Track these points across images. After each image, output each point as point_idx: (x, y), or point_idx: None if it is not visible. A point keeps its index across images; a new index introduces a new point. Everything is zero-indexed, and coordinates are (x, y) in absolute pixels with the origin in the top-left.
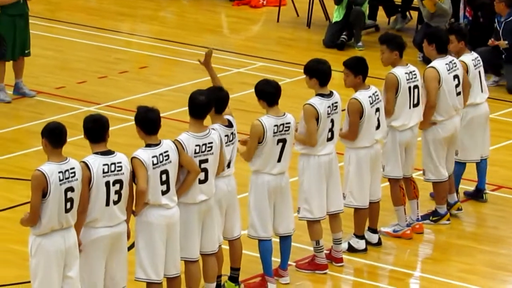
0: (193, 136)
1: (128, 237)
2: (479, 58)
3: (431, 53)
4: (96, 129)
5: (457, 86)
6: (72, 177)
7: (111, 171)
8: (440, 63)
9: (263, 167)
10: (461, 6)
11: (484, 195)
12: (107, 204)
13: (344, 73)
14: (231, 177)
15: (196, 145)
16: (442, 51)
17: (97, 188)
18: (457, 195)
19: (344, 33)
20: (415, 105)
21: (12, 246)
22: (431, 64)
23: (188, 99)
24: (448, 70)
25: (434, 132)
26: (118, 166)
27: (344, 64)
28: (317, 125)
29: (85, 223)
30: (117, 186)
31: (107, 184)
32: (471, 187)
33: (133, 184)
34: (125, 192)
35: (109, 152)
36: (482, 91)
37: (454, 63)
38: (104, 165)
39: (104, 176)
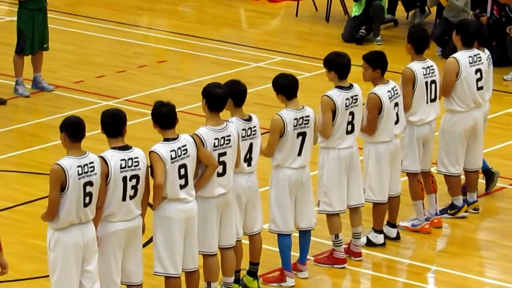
0: (212, 130)
1: (143, 231)
2: (489, 56)
3: (457, 44)
4: (114, 124)
5: (478, 80)
6: (91, 171)
7: (128, 167)
8: (463, 55)
9: (284, 161)
10: (489, 2)
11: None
12: (124, 199)
13: (363, 67)
14: (252, 174)
15: (215, 139)
16: (468, 43)
17: (115, 183)
18: (476, 193)
19: (363, 28)
20: (433, 100)
21: (31, 240)
22: (453, 55)
23: (203, 93)
24: (471, 63)
25: (452, 123)
26: (135, 161)
27: (363, 57)
28: (335, 117)
29: (102, 217)
30: (134, 181)
31: (124, 179)
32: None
33: (150, 179)
34: (141, 187)
35: (126, 147)
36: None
37: (479, 57)
38: (121, 160)
39: (121, 172)
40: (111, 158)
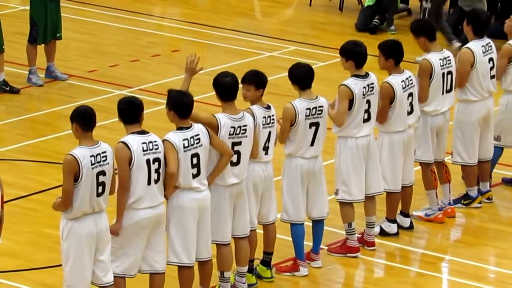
0: (230, 118)
1: None
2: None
3: (468, 34)
4: (130, 110)
5: (491, 68)
6: (103, 161)
7: (150, 149)
8: (476, 45)
9: (296, 151)
10: None
11: None
12: (149, 183)
13: (378, 55)
14: (269, 163)
15: (231, 127)
16: (479, 33)
17: (139, 166)
18: (489, 183)
19: (376, 17)
20: (448, 91)
21: (44, 229)
22: (467, 45)
23: (213, 84)
24: (484, 53)
25: (467, 113)
26: (155, 145)
27: (378, 46)
28: (352, 106)
29: (127, 205)
30: (156, 165)
31: (148, 162)
32: (507, 172)
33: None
34: (162, 171)
35: (144, 132)
36: None
37: (490, 45)
38: (142, 143)
39: (144, 154)
40: (133, 142)
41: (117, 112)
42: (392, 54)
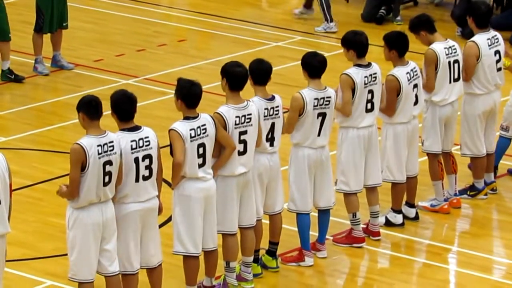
0: (233, 108)
1: (160, 211)
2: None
3: (472, 26)
4: (126, 108)
5: (497, 61)
6: (110, 150)
7: (140, 147)
8: (481, 38)
9: (303, 140)
10: None
11: None
12: (137, 180)
13: (383, 46)
14: (275, 153)
15: (236, 117)
16: (482, 24)
17: (126, 164)
18: (495, 174)
19: (382, 8)
20: (456, 80)
21: (50, 218)
22: (472, 39)
23: (223, 73)
24: (490, 45)
25: (473, 106)
26: (146, 141)
27: (383, 37)
28: (354, 95)
29: (117, 199)
30: (147, 161)
31: (136, 160)
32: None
33: (163, 158)
34: (155, 166)
35: (136, 128)
36: None
37: (496, 38)
38: (132, 141)
39: (133, 153)
40: (121, 140)
41: (112, 108)
42: (396, 46)
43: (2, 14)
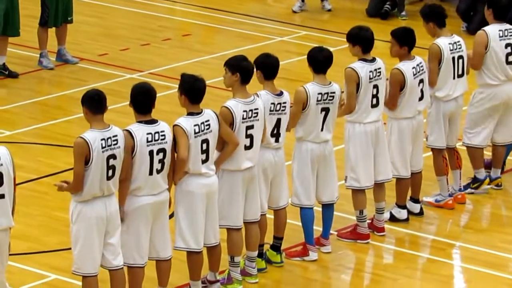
0: (241, 102)
1: (169, 205)
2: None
3: (489, 18)
4: (145, 101)
5: (509, 54)
6: (114, 144)
7: (155, 140)
8: (493, 28)
9: (307, 135)
10: None
11: None
12: (151, 173)
13: (390, 42)
14: (280, 149)
15: (244, 111)
16: (500, 17)
17: (141, 157)
18: (502, 169)
19: (387, 3)
20: (460, 76)
21: (54, 212)
22: (483, 28)
23: (233, 67)
24: (501, 37)
25: (483, 98)
26: (161, 135)
27: (391, 33)
28: (359, 90)
29: (129, 191)
30: (161, 155)
31: (151, 153)
32: None
33: (174, 153)
34: (168, 161)
35: (152, 121)
36: None
37: (510, 31)
38: (148, 134)
39: (148, 145)
40: (137, 132)
41: (131, 100)
42: (406, 42)
43: (14, 10)
